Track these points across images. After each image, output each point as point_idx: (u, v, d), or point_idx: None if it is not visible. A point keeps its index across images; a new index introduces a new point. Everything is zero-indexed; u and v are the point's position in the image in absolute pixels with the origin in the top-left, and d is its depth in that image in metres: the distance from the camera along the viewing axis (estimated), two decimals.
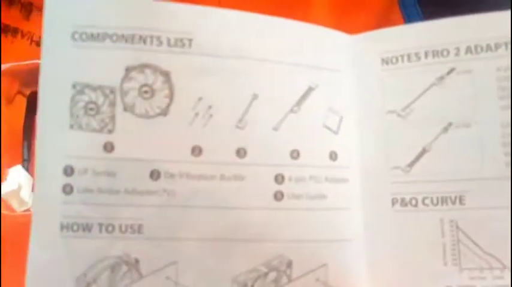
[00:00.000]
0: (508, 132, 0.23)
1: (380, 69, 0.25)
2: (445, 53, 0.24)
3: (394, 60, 0.25)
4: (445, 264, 0.23)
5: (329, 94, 0.24)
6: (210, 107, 0.22)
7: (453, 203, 0.23)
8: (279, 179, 0.23)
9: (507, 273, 0.22)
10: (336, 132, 0.24)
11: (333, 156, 0.24)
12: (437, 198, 0.23)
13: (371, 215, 0.24)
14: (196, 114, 0.22)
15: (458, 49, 0.23)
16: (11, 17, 0.33)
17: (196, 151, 0.22)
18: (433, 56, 0.24)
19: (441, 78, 0.24)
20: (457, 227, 0.23)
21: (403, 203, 0.24)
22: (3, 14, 0.32)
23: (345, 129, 0.24)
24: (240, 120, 0.23)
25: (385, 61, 0.25)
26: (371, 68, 0.25)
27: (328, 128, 0.24)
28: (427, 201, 0.23)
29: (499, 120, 0.23)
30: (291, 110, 0.23)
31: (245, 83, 0.23)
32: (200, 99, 0.22)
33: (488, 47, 0.23)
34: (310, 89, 0.24)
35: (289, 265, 0.23)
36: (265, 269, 0.23)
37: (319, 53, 0.24)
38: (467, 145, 0.23)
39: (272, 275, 0.23)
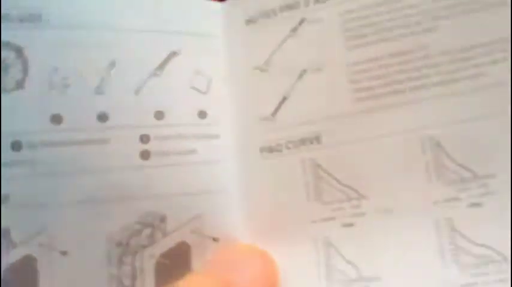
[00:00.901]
0: (355, 70, 0.24)
1: (245, 30, 0.26)
2: (296, 5, 0.25)
3: (255, 19, 0.26)
4: (309, 200, 0.24)
5: (196, 58, 0.25)
6: (66, 77, 0.23)
7: (311, 143, 0.24)
8: (144, 139, 0.24)
9: (364, 202, 0.24)
10: (204, 93, 0.25)
11: (202, 115, 0.25)
12: (298, 140, 0.24)
13: (243, 165, 0.25)
14: (53, 84, 0.23)
15: (307, 0, 0.25)
16: None
17: (56, 119, 0.23)
18: (287, 9, 0.25)
19: (294, 29, 0.25)
20: (317, 164, 0.24)
21: (270, 150, 0.25)
22: None
23: (215, 89, 0.26)
24: (99, 87, 0.23)
25: (248, 22, 0.26)
26: (237, 30, 0.26)
27: (196, 89, 0.25)
28: (290, 145, 0.25)
29: (346, 61, 0.24)
30: (154, 74, 0.24)
31: (101, 52, 0.24)
32: (55, 70, 0.23)
33: None
34: (173, 54, 0.25)
35: (163, 219, 0.24)
36: (139, 226, 0.24)
37: (185, 19, 0.25)
38: (320, 87, 0.24)
39: (147, 231, 0.24)
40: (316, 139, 0.24)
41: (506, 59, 0.22)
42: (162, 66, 0.24)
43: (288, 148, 0.25)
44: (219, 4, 0.27)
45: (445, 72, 0.23)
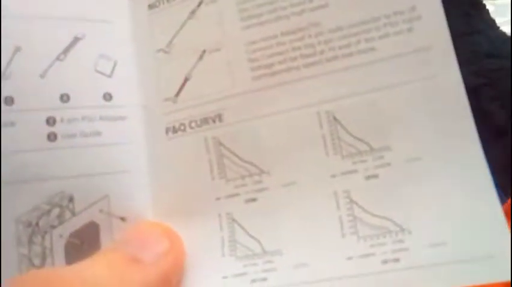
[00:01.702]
0: (252, 48, 0.25)
1: (147, 14, 0.27)
2: None
3: (157, 3, 0.27)
4: (213, 178, 0.25)
5: (100, 43, 0.26)
6: None
7: (214, 121, 0.25)
8: (51, 121, 0.25)
9: (266, 177, 0.24)
10: (109, 76, 0.26)
11: (107, 97, 0.26)
12: (201, 120, 0.25)
13: (150, 146, 0.26)
14: None
15: None
16: None
17: None
18: None
19: (193, 11, 0.26)
20: (220, 143, 0.25)
21: (174, 130, 0.25)
22: None
23: (120, 73, 0.26)
24: (4, 72, 0.24)
25: (151, 6, 0.27)
26: (141, 15, 0.27)
27: (101, 73, 0.26)
28: (193, 124, 0.25)
29: (243, 40, 0.25)
30: (57, 58, 0.25)
31: (5, 38, 0.24)
32: None
33: None
34: (76, 39, 0.26)
35: (71, 199, 0.25)
36: (47, 207, 0.24)
37: (88, 7, 0.26)
38: (219, 67, 0.25)
39: (55, 211, 0.24)
40: (218, 118, 0.25)
41: (396, 33, 0.23)
42: (66, 51, 0.25)
43: (192, 128, 0.25)
44: None
45: (337, 47, 0.24)
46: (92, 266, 0.22)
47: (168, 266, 0.23)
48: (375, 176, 0.23)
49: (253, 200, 0.24)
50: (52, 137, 0.25)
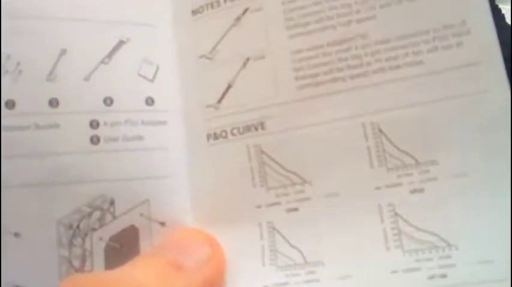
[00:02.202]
0: (297, 57, 0.25)
1: (191, 20, 0.27)
2: None
3: (201, 9, 0.27)
4: (254, 186, 0.25)
5: (143, 47, 0.26)
6: (18, 63, 0.24)
7: (256, 129, 0.25)
8: (94, 124, 0.25)
9: (309, 187, 0.24)
10: (151, 80, 0.26)
11: (150, 101, 0.26)
12: (243, 127, 0.25)
13: (190, 151, 0.26)
14: (6, 71, 0.24)
15: None
16: None
17: (10, 104, 0.24)
18: (230, 0, 0.26)
19: (238, 18, 0.26)
20: (261, 151, 0.25)
21: (215, 136, 0.25)
22: None
23: (162, 77, 0.26)
24: (50, 74, 0.24)
25: (194, 12, 0.27)
26: (184, 20, 0.27)
27: (144, 77, 0.26)
28: (235, 131, 0.25)
29: (289, 49, 0.25)
30: (102, 62, 0.25)
31: (52, 40, 0.25)
32: (8, 57, 0.24)
33: None
34: (121, 43, 0.26)
35: (112, 203, 0.25)
36: (88, 209, 0.25)
37: (132, 11, 0.26)
38: (263, 75, 0.25)
39: (96, 214, 0.25)
40: (261, 126, 0.25)
41: (445, 47, 0.23)
42: (110, 54, 0.25)
43: (233, 135, 0.25)
44: None
45: (384, 59, 0.23)
46: (134, 271, 0.22)
47: (210, 273, 0.23)
48: (421, 190, 0.23)
49: (295, 209, 0.24)
50: (95, 140, 0.25)
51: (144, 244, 0.25)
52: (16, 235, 0.24)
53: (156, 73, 0.26)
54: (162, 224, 0.25)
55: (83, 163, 0.24)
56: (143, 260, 0.23)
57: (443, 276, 0.21)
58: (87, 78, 0.25)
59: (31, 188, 0.24)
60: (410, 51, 0.23)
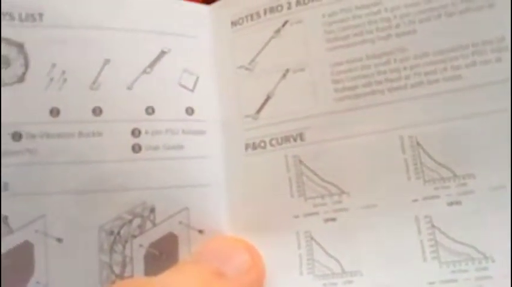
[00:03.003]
0: (337, 70, 0.25)
1: (230, 31, 0.27)
2: (279, 8, 0.26)
3: (240, 21, 0.27)
4: (292, 196, 0.25)
5: (184, 57, 0.27)
6: (64, 72, 0.25)
7: (295, 140, 0.25)
8: (136, 133, 0.25)
9: (346, 198, 0.24)
10: (191, 90, 0.27)
11: (189, 111, 0.26)
12: (282, 138, 0.25)
13: (228, 161, 0.26)
14: (52, 79, 0.24)
15: (289, 3, 0.26)
16: None
17: (54, 112, 0.24)
18: (270, 12, 0.27)
19: (278, 31, 0.26)
20: (300, 161, 0.25)
21: (254, 146, 0.26)
22: None
23: (201, 87, 0.27)
24: (94, 82, 0.25)
25: (234, 23, 0.27)
26: (223, 31, 0.28)
27: (184, 87, 0.27)
28: (274, 142, 0.26)
29: (328, 61, 0.25)
30: (144, 71, 0.26)
31: (96, 50, 0.25)
32: (54, 65, 0.25)
33: None
34: (162, 53, 0.26)
35: (152, 210, 0.25)
36: (129, 216, 0.25)
37: (173, 21, 0.27)
38: (303, 86, 0.25)
39: (136, 221, 0.25)
40: (300, 136, 0.25)
41: (484, 63, 0.23)
42: (152, 64, 0.26)
43: (272, 145, 0.26)
44: (206, 7, 0.28)
45: (423, 73, 0.24)
46: (179, 277, 0.22)
47: (250, 282, 0.23)
48: (458, 202, 0.23)
49: (333, 219, 0.24)
50: (137, 148, 0.25)
51: (182, 251, 0.25)
52: (58, 240, 0.24)
53: (196, 83, 0.27)
54: (201, 232, 0.26)
55: (124, 171, 0.25)
56: (187, 267, 0.23)
57: None
58: (129, 88, 0.26)
59: (74, 195, 0.24)
60: (448, 66, 0.24)
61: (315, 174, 0.25)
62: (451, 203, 0.23)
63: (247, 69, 0.27)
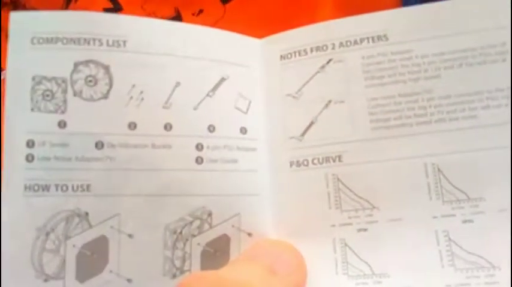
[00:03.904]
0: (373, 104, 0.30)
1: (279, 63, 0.32)
2: (324, 47, 0.31)
3: (289, 55, 0.32)
4: (330, 208, 0.29)
5: (239, 83, 0.31)
6: (141, 92, 0.29)
7: (334, 161, 0.30)
8: (199, 147, 0.29)
9: (376, 211, 0.29)
10: (245, 113, 0.31)
11: (243, 130, 0.31)
12: (323, 158, 0.30)
13: (275, 175, 0.31)
14: (131, 97, 0.28)
15: (334, 44, 0.31)
16: None
17: (132, 126, 0.28)
18: (316, 50, 0.31)
19: (322, 67, 0.31)
20: (338, 179, 0.30)
21: (298, 164, 0.30)
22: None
23: (254, 110, 0.31)
24: (166, 102, 0.29)
25: (283, 57, 0.32)
26: (273, 63, 0.32)
27: (239, 109, 0.31)
28: (315, 161, 0.30)
29: (365, 96, 0.30)
30: (207, 95, 0.30)
31: (170, 74, 0.29)
32: (134, 86, 0.29)
33: (355, 41, 0.30)
34: (222, 79, 0.31)
35: (210, 214, 0.29)
36: (190, 219, 0.29)
37: (231, 52, 0.31)
38: (342, 116, 0.30)
39: (196, 223, 0.29)
40: (338, 158, 0.30)
41: (496, 106, 0.28)
42: (214, 89, 0.30)
43: (314, 164, 0.30)
44: (257, 40, 0.33)
45: (445, 112, 0.29)
46: (241, 271, 0.26)
47: (298, 280, 0.27)
48: (471, 221, 0.28)
49: (364, 230, 0.29)
50: (199, 160, 0.29)
51: (233, 251, 0.29)
52: (130, 236, 0.28)
53: (249, 106, 0.31)
54: (250, 234, 0.30)
55: (188, 179, 0.29)
56: (244, 264, 0.27)
57: None
58: (195, 108, 0.30)
59: (145, 197, 0.28)
60: (467, 107, 0.28)
61: (351, 190, 0.29)
62: (465, 221, 0.28)
63: (294, 97, 0.31)
